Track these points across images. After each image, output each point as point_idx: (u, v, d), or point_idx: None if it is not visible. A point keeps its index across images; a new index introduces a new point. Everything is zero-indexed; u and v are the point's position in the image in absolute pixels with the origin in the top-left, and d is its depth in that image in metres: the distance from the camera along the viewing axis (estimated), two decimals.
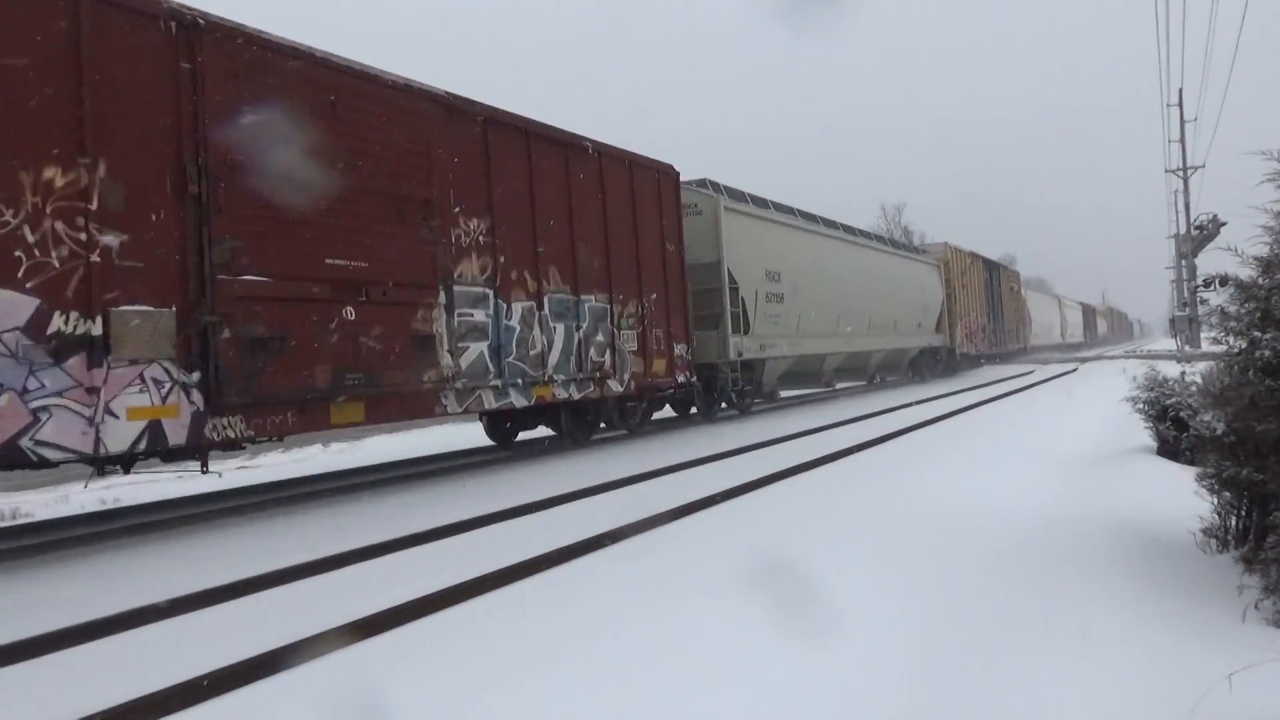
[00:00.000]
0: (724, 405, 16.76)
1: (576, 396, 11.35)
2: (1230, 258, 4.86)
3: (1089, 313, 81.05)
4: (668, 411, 16.71)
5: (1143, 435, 9.63)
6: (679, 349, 13.76)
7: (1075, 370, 33.15)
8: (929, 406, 17.49)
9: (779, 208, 18.77)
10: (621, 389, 12.25)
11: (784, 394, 22.16)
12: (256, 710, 3.62)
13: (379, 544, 6.17)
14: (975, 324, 33.20)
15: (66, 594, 5.39)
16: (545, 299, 10.87)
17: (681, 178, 14.93)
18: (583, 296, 11.57)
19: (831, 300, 20.08)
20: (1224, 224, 33.40)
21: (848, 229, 22.74)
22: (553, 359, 10.93)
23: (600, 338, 11.89)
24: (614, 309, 12.18)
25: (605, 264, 12.08)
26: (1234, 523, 5.10)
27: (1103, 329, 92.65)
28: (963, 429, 13.63)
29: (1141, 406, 9.36)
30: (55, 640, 4.38)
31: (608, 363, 11.97)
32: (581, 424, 12.45)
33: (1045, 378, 28.28)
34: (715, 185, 16.23)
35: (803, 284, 18.52)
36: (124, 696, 3.54)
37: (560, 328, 11.13)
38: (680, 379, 13.77)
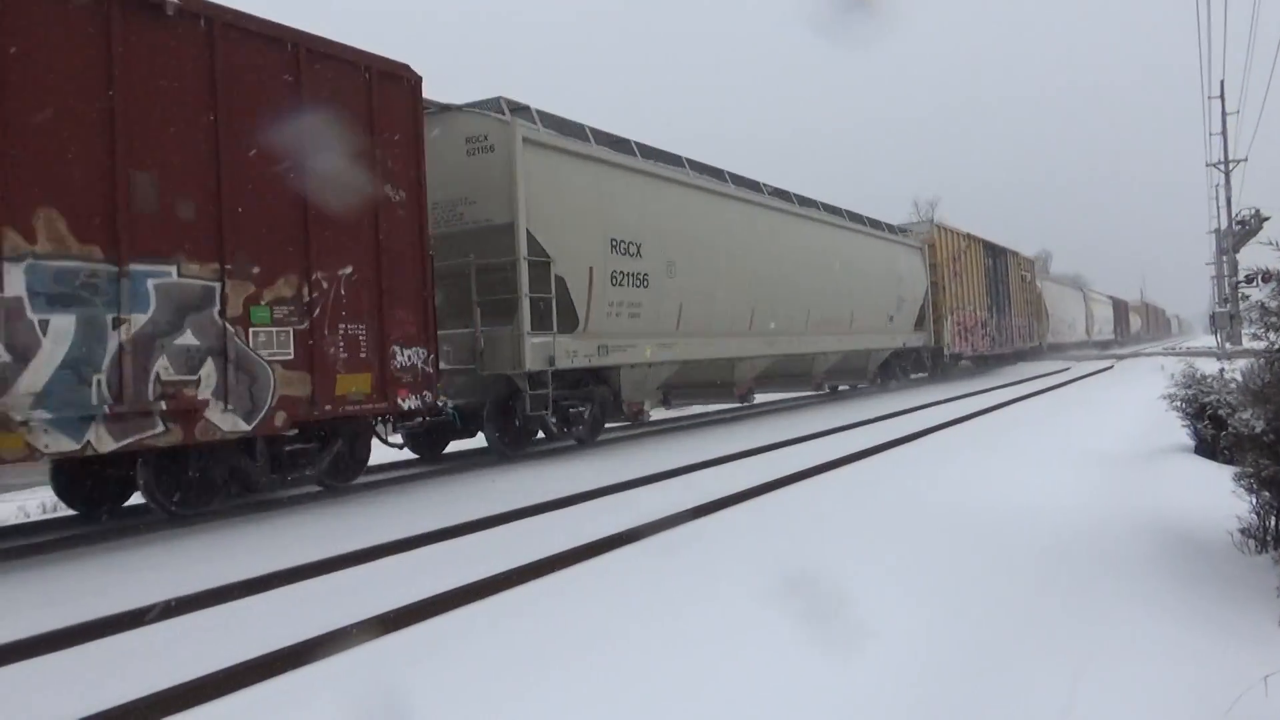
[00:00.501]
0: (543, 435, 11.64)
1: (110, 446, 6.24)
2: (1271, 251, 4.76)
3: (1121, 308, 72.40)
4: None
5: (1180, 433, 9.39)
6: (406, 356, 8.51)
7: (1111, 367, 31.62)
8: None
9: (647, 151, 13.13)
10: (248, 426, 7.11)
11: (683, 411, 17.08)
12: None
13: None
14: (971, 319, 27.58)
15: (95, 585, 5.23)
16: (11, 269, 5.81)
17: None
18: (138, 266, 6.41)
19: (742, 286, 14.71)
20: (1267, 218, 32.48)
21: (779, 193, 17.25)
22: (31, 379, 5.84)
23: (189, 339, 6.72)
24: (230, 289, 7.04)
25: (213, 211, 6.92)
26: (1273, 523, 5.01)
27: (1136, 325, 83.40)
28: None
29: (1179, 404, 9.19)
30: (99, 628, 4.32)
31: (205, 383, 6.82)
32: (171, 485, 7.27)
33: (1076, 376, 25.60)
34: (517, 106, 10.91)
35: (687, 261, 13.16)
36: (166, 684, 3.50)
37: (63, 323, 6.02)
38: (410, 404, 8.60)
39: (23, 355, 5.78)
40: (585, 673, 3.79)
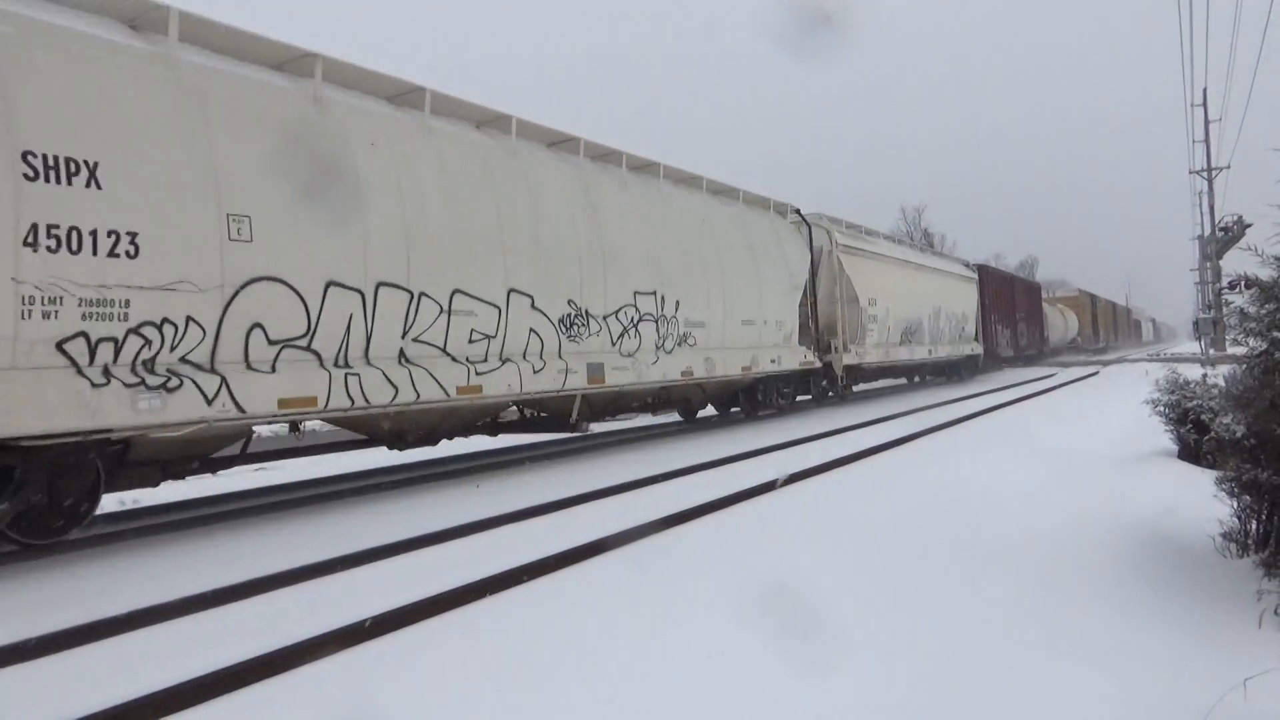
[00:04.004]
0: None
1: None
2: (1251, 258, 4.84)
3: (1022, 293, 37.82)
4: None
5: (1163, 438, 9.44)
6: None
7: None
8: None
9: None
10: None
11: None
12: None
13: None
14: None
15: (89, 589, 5.24)
16: None
17: None
18: None
19: None
20: (1249, 225, 32.94)
21: None
22: None
23: None
24: None
25: None
26: (1254, 527, 5.03)
27: (1067, 329, 51.15)
28: None
29: (1162, 410, 9.23)
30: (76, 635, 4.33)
31: None
32: None
33: None
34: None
35: None
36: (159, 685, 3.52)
37: None
38: None
39: None
40: None
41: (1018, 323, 35.87)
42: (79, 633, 4.45)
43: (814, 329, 17.33)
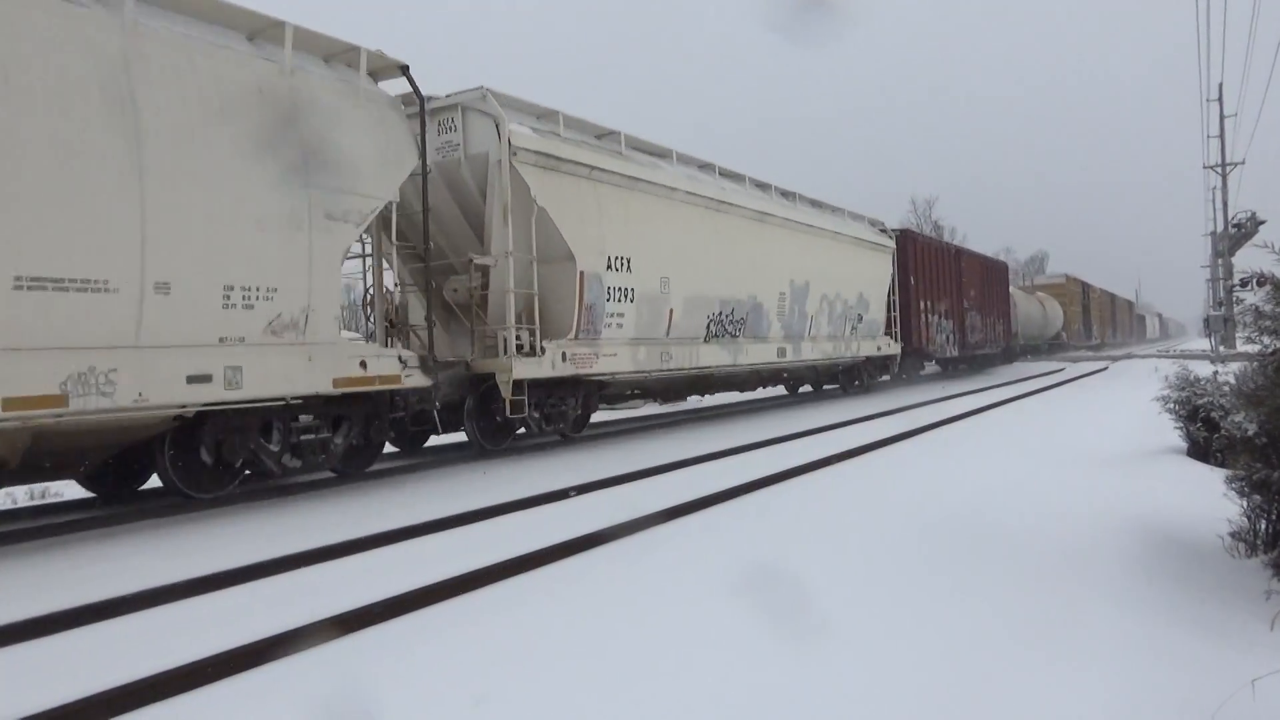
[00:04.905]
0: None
1: None
2: (1266, 255, 4.70)
3: (974, 273, 28.01)
4: None
5: (1172, 435, 9.41)
6: None
7: None
8: None
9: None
10: None
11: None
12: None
13: None
14: None
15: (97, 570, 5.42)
16: None
17: None
18: None
19: None
20: (1263, 222, 32.81)
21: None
22: None
23: None
24: None
25: None
26: (1264, 527, 5.00)
27: (1047, 323, 42.12)
28: None
29: (1172, 406, 9.16)
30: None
31: None
32: None
33: None
34: None
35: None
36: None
37: None
38: None
39: None
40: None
41: (966, 312, 26.28)
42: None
43: (470, 310, 10.26)
